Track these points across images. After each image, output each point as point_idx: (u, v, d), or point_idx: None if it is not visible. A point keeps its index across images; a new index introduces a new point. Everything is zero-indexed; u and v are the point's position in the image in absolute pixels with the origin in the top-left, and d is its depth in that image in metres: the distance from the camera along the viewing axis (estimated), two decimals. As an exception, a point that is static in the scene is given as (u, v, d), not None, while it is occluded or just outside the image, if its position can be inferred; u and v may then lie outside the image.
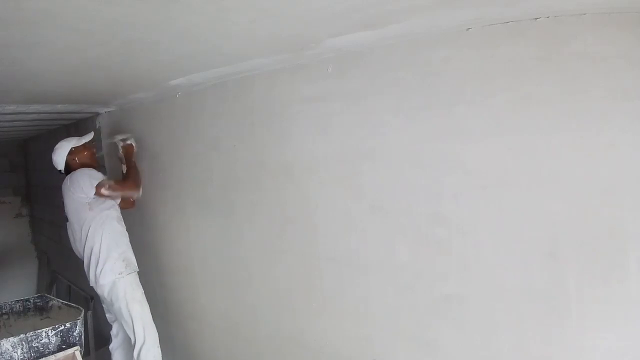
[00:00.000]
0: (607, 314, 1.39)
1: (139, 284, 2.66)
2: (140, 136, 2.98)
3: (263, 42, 1.67)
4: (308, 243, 2.08)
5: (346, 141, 1.88)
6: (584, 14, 1.37)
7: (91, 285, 2.66)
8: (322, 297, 2.05)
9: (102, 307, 2.89)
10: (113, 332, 2.86)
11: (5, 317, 2.64)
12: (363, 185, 1.85)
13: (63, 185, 2.68)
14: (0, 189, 5.90)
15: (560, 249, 1.43)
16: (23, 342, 2.07)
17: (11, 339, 2.05)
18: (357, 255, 1.90)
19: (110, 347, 2.89)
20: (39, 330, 2.12)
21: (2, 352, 2.02)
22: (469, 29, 1.53)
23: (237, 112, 2.32)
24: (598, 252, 1.38)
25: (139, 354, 2.53)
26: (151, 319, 2.63)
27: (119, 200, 2.78)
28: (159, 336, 2.65)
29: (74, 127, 3.83)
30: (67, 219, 2.75)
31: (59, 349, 2.16)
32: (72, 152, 2.74)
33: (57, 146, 2.77)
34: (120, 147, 2.99)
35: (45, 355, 2.11)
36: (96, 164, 2.89)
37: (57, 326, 2.17)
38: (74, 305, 2.58)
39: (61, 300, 2.71)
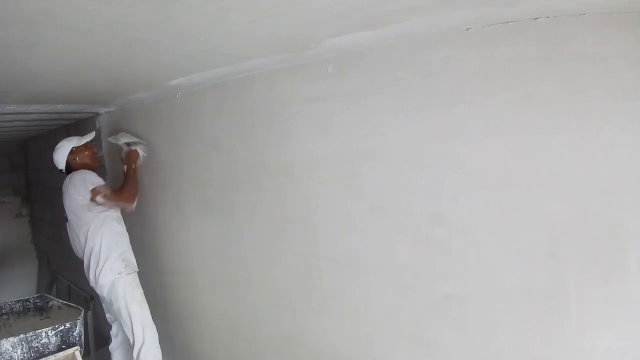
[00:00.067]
0: (607, 314, 1.39)
1: (139, 284, 2.66)
2: (141, 136, 2.97)
3: (263, 42, 1.67)
4: (308, 243, 2.08)
5: (346, 141, 1.88)
6: (584, 14, 1.37)
7: (91, 285, 2.67)
8: (322, 297, 2.05)
9: (102, 307, 2.89)
10: (113, 332, 2.86)
11: (5, 317, 2.64)
12: (363, 185, 1.85)
13: (63, 185, 2.69)
14: (0, 189, 5.90)
15: (560, 249, 1.43)
16: (23, 342, 2.07)
17: (11, 339, 2.05)
18: (357, 255, 1.90)
19: (110, 347, 2.89)
20: (39, 331, 2.12)
21: (2, 352, 2.02)
22: (469, 29, 1.53)
23: (237, 112, 2.32)
24: (598, 252, 1.38)
25: (138, 354, 2.53)
26: (151, 319, 2.63)
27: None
28: (159, 336, 2.65)
29: (74, 127, 3.83)
30: (67, 219, 2.75)
31: (59, 349, 2.16)
32: (73, 152, 2.74)
33: (58, 145, 2.77)
34: (123, 150, 2.91)
35: (45, 355, 2.11)
36: (97, 164, 2.89)
37: (57, 326, 2.17)
38: (74, 305, 2.57)
39: (61, 300, 2.71)
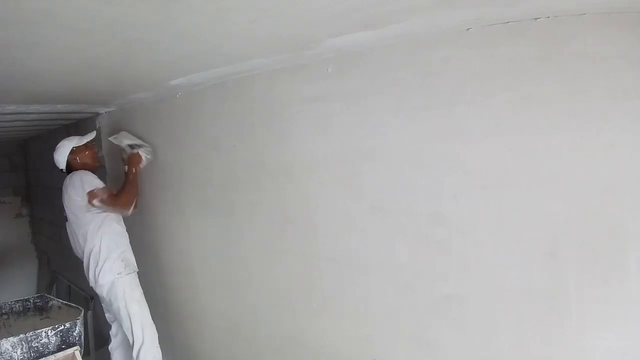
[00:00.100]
0: (607, 314, 1.39)
1: (138, 284, 2.66)
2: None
3: (263, 42, 1.67)
4: (308, 243, 2.08)
5: (346, 141, 1.88)
6: (584, 14, 1.37)
7: (91, 285, 2.67)
8: (322, 297, 2.05)
9: (102, 307, 2.89)
10: (112, 332, 2.86)
11: (5, 317, 2.64)
12: (363, 185, 1.85)
13: (63, 185, 2.69)
14: (0, 189, 5.90)
15: (560, 249, 1.43)
16: (23, 342, 2.07)
17: (11, 339, 2.05)
18: (357, 255, 1.90)
19: (110, 347, 2.89)
20: (39, 330, 2.12)
21: (2, 352, 2.02)
22: (469, 29, 1.53)
23: (237, 112, 2.32)
24: (598, 252, 1.38)
25: (138, 354, 2.53)
26: (150, 319, 2.63)
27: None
28: (159, 336, 2.65)
29: (74, 127, 3.83)
30: (66, 219, 2.75)
31: (59, 349, 2.16)
32: (73, 152, 2.73)
33: (59, 145, 2.77)
34: (125, 152, 2.85)
35: (45, 355, 2.11)
36: (98, 164, 2.88)
37: (56, 326, 2.17)
38: (74, 305, 2.58)
39: (61, 300, 2.71)
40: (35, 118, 3.37)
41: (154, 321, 2.66)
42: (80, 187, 2.57)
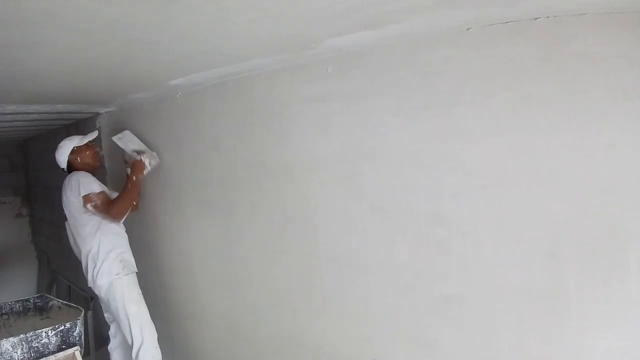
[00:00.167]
0: (607, 314, 1.39)
1: (137, 284, 2.65)
2: (141, 136, 2.96)
3: (263, 42, 1.67)
4: (308, 243, 2.08)
5: (346, 141, 1.88)
6: (584, 14, 1.37)
7: (89, 285, 2.66)
8: (322, 297, 2.05)
9: (102, 306, 2.89)
10: (111, 332, 2.86)
11: (5, 317, 2.64)
12: (363, 185, 1.85)
13: (63, 185, 2.68)
14: (0, 189, 5.90)
15: (560, 249, 1.43)
16: (23, 342, 2.07)
17: (11, 339, 2.05)
18: (357, 255, 1.90)
19: (109, 347, 2.89)
20: (39, 331, 2.12)
21: (2, 352, 2.02)
22: (469, 29, 1.53)
23: (237, 112, 2.32)
24: (598, 252, 1.39)
25: (137, 355, 2.53)
26: (149, 319, 2.62)
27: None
28: (158, 336, 2.65)
29: (74, 127, 3.83)
30: (66, 218, 2.74)
31: (59, 349, 2.16)
32: (74, 152, 2.73)
33: (60, 144, 2.76)
34: (127, 154, 2.80)
35: (45, 356, 2.11)
36: (98, 164, 2.87)
37: (57, 326, 2.17)
38: (74, 305, 2.57)
39: (61, 301, 2.71)
40: (35, 118, 3.37)
41: (154, 321, 2.66)
42: (77, 189, 2.56)
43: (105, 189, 2.72)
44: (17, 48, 1.48)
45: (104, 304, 2.73)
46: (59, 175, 2.85)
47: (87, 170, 2.70)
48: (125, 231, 2.77)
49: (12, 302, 2.69)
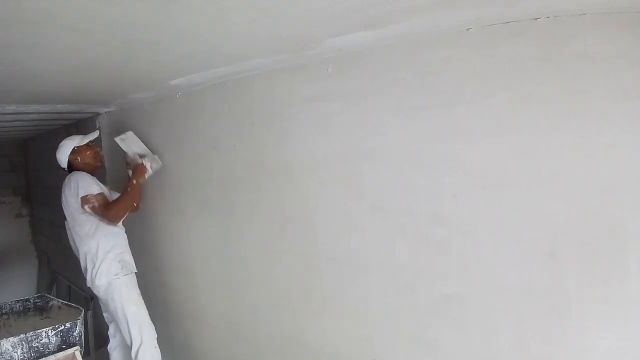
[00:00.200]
0: (607, 314, 1.39)
1: (136, 284, 2.65)
2: (141, 136, 2.96)
3: (263, 42, 1.67)
4: (308, 243, 2.08)
5: (346, 141, 1.88)
6: (584, 14, 1.37)
7: (88, 285, 2.66)
8: (322, 297, 2.05)
9: (101, 306, 2.89)
10: (110, 332, 2.85)
11: (5, 317, 2.64)
12: (363, 185, 1.85)
13: (63, 185, 2.68)
14: (0, 189, 5.90)
15: (560, 249, 1.43)
16: (23, 342, 2.07)
17: (11, 339, 2.05)
18: (357, 255, 1.90)
19: (109, 347, 2.89)
20: (39, 330, 2.12)
21: (2, 352, 2.02)
22: (469, 29, 1.53)
23: (237, 112, 2.32)
24: (598, 252, 1.39)
25: (136, 355, 2.52)
26: (148, 319, 2.62)
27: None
28: (158, 336, 2.65)
29: (74, 127, 3.83)
30: (66, 218, 2.74)
31: (59, 349, 2.16)
32: (74, 152, 2.72)
33: (61, 144, 2.75)
34: (129, 156, 2.76)
35: (45, 355, 2.11)
36: (99, 164, 2.87)
37: (57, 326, 2.17)
38: (74, 305, 2.57)
39: (61, 300, 2.71)
40: (35, 118, 3.37)
41: (154, 321, 2.66)
42: (76, 190, 2.55)
43: (105, 190, 2.70)
44: (17, 48, 1.48)
45: (103, 304, 2.73)
46: (59, 175, 2.85)
47: (87, 170, 2.70)
48: (125, 231, 2.76)
49: (12, 302, 2.69)
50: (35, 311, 2.70)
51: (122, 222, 2.74)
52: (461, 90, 1.56)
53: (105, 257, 2.56)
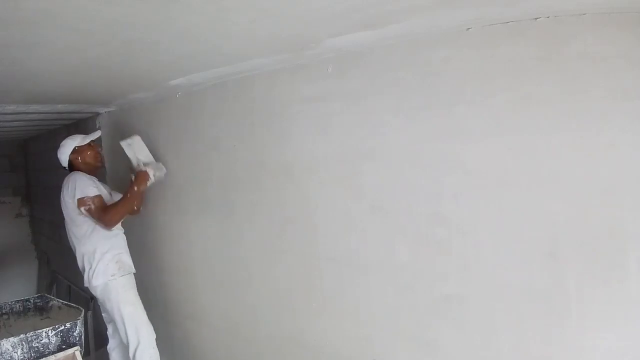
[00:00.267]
0: (607, 314, 1.39)
1: (133, 285, 2.64)
2: (141, 136, 2.95)
3: (263, 42, 1.67)
4: (308, 243, 2.08)
5: (346, 141, 1.88)
6: (584, 14, 1.37)
7: (85, 285, 2.66)
8: (322, 297, 2.05)
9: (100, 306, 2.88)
10: (110, 332, 2.85)
11: (5, 317, 2.64)
12: (363, 185, 1.85)
13: (62, 184, 2.68)
14: (0, 189, 5.90)
15: (560, 249, 1.43)
16: (23, 342, 2.07)
17: (11, 339, 2.05)
18: (357, 255, 1.90)
19: (108, 347, 2.88)
20: (39, 331, 2.12)
21: (2, 352, 2.02)
22: (469, 29, 1.53)
23: (237, 112, 2.32)
24: (598, 252, 1.38)
25: (134, 356, 2.52)
26: (146, 320, 2.60)
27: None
28: (158, 336, 2.65)
29: (74, 127, 3.83)
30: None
31: (59, 349, 2.16)
32: (75, 151, 2.71)
33: (62, 143, 2.74)
34: (133, 165, 2.72)
35: (45, 356, 2.11)
36: (99, 164, 2.86)
37: (57, 326, 2.17)
38: (74, 305, 2.57)
39: (61, 301, 2.71)
40: (35, 118, 3.37)
41: (154, 321, 2.66)
42: (73, 191, 2.54)
43: (104, 191, 2.68)
44: (17, 48, 1.48)
45: (101, 304, 2.73)
46: (59, 175, 2.84)
47: (88, 171, 2.69)
48: (124, 232, 2.75)
49: (12, 302, 2.69)
50: (35, 311, 2.70)
51: (122, 222, 2.74)
52: (461, 90, 1.56)
53: (102, 257, 2.55)
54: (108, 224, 2.55)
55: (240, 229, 2.42)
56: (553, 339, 1.46)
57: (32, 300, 2.72)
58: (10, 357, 2.04)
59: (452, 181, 1.60)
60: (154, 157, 2.77)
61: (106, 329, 2.89)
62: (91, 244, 2.57)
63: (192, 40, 1.57)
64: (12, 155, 6.01)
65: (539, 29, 1.42)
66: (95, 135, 2.81)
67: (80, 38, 1.43)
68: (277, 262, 2.24)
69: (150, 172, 2.67)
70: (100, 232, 2.58)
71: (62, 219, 2.79)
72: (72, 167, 2.72)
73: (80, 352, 2.19)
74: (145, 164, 2.70)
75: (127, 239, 2.75)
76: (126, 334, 2.53)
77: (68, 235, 2.74)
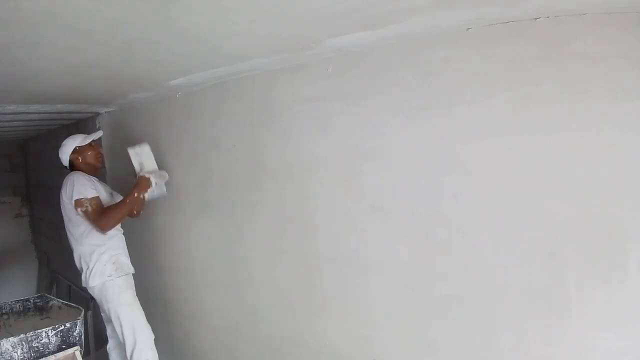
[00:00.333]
0: (607, 314, 1.39)
1: (131, 286, 2.62)
2: (141, 136, 2.95)
3: (263, 42, 1.67)
4: (308, 243, 2.08)
5: (346, 141, 1.88)
6: (584, 14, 1.37)
7: (83, 285, 2.65)
8: (322, 297, 2.05)
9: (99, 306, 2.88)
10: (109, 332, 2.85)
11: (5, 317, 2.63)
12: (363, 185, 1.85)
13: (62, 184, 2.67)
14: (0, 189, 5.90)
15: (560, 249, 1.43)
16: (23, 342, 2.07)
17: (11, 339, 2.05)
18: (357, 255, 1.90)
19: (108, 347, 2.88)
20: (39, 330, 2.12)
21: (2, 352, 2.02)
22: (469, 29, 1.53)
23: (237, 112, 2.32)
24: (598, 252, 1.38)
25: (131, 356, 2.51)
26: (144, 321, 2.59)
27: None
28: (158, 336, 2.64)
29: (74, 127, 3.83)
30: (63, 218, 2.74)
31: (59, 349, 2.16)
32: (76, 151, 2.70)
33: (63, 142, 2.73)
34: (136, 171, 2.67)
35: (45, 355, 2.11)
36: (100, 165, 2.86)
37: (57, 326, 2.17)
38: (74, 305, 2.57)
39: (61, 300, 2.70)
40: (35, 118, 3.37)
41: (154, 321, 2.65)
42: (71, 191, 2.53)
43: (103, 192, 2.65)
44: (17, 48, 1.48)
45: (99, 304, 2.72)
46: (59, 175, 2.84)
47: (88, 171, 2.68)
48: (123, 233, 2.75)
49: (12, 302, 2.69)
50: (35, 311, 2.70)
51: (121, 223, 2.74)
52: (461, 90, 1.56)
53: (100, 258, 2.55)
54: (103, 228, 2.52)
55: (240, 229, 2.42)
56: (553, 339, 1.46)
57: (32, 300, 2.72)
58: (10, 357, 2.04)
59: (452, 181, 1.60)
60: (158, 166, 2.74)
61: (106, 329, 2.89)
62: (89, 244, 2.56)
63: (192, 40, 1.57)
64: (12, 155, 6.01)
65: (539, 29, 1.42)
66: (97, 135, 2.81)
67: (80, 38, 1.43)
68: (277, 262, 2.24)
69: (153, 180, 2.64)
70: (97, 232, 2.58)
71: (62, 219, 2.80)
72: (73, 166, 2.72)
73: (80, 352, 2.19)
74: (148, 172, 2.67)
75: (127, 238, 2.75)
76: (123, 334, 2.53)
77: (67, 235, 2.74)
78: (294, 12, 1.35)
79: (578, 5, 1.34)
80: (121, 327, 2.53)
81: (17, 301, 2.69)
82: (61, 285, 4.88)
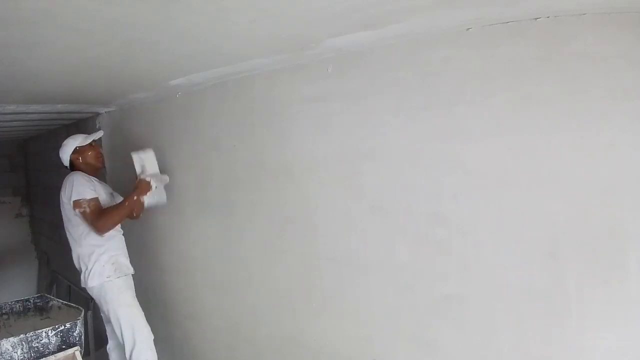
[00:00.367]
0: (607, 314, 1.39)
1: (131, 286, 2.62)
2: (141, 136, 2.96)
3: (263, 42, 1.67)
4: (308, 243, 2.08)
5: (346, 141, 1.88)
6: (584, 14, 1.37)
7: (82, 285, 2.65)
8: (322, 297, 2.05)
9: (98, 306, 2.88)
10: (108, 332, 2.85)
11: (5, 317, 2.63)
12: (363, 185, 1.85)
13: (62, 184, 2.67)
14: (0, 189, 5.90)
15: (560, 249, 1.43)
16: (23, 342, 2.07)
17: (11, 339, 2.05)
18: (357, 255, 1.90)
19: (108, 347, 2.88)
20: (39, 331, 2.12)
21: (2, 352, 2.02)
22: (469, 29, 1.53)
23: (237, 112, 2.32)
24: (598, 252, 1.38)
25: (130, 357, 2.51)
26: (143, 321, 2.58)
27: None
28: (158, 336, 2.64)
29: (74, 127, 3.83)
30: (63, 218, 2.73)
31: (59, 349, 2.16)
32: (76, 151, 2.69)
33: (64, 142, 2.72)
34: (138, 173, 2.66)
35: (45, 356, 2.11)
36: (101, 165, 2.85)
37: (57, 326, 2.17)
38: (74, 305, 2.57)
39: (61, 301, 2.71)
40: (35, 118, 3.38)
41: (154, 321, 2.65)
42: (70, 192, 2.53)
43: (103, 193, 2.64)
44: (17, 48, 1.48)
45: (98, 305, 2.72)
46: (59, 175, 2.84)
47: (88, 171, 2.68)
48: (123, 233, 2.74)
49: (12, 302, 2.69)
50: (35, 311, 2.70)
51: (121, 224, 2.73)
52: (461, 90, 1.56)
53: (99, 259, 2.54)
54: (100, 230, 2.51)
55: (240, 229, 2.42)
56: (553, 339, 1.46)
57: (32, 300, 2.72)
58: (10, 357, 2.04)
59: (452, 181, 1.60)
60: (160, 169, 2.73)
61: (105, 329, 2.89)
62: (88, 244, 2.55)
63: (192, 40, 1.57)
64: (12, 155, 6.01)
65: (539, 29, 1.42)
66: (97, 135, 2.80)
67: (80, 38, 1.43)
68: (277, 262, 2.24)
69: (153, 185, 2.63)
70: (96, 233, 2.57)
71: (62, 219, 2.79)
72: (73, 167, 2.72)
73: (80, 352, 2.19)
74: (149, 175, 2.66)
75: (127, 239, 2.74)
76: (122, 335, 2.52)
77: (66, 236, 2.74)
78: (294, 12, 1.35)
79: (578, 5, 1.34)
80: (120, 327, 2.52)
81: (17, 301, 2.69)
82: (61, 285, 4.88)
